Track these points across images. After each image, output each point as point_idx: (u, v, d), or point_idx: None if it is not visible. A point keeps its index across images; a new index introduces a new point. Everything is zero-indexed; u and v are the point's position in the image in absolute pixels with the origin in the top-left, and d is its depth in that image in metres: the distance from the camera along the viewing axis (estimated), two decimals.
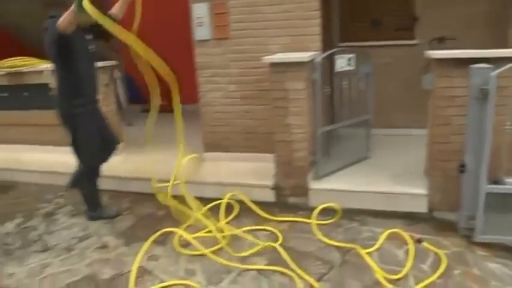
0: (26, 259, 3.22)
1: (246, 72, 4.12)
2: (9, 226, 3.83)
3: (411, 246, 2.96)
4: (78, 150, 3.59)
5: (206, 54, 4.20)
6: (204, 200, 3.77)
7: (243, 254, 3.04)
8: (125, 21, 3.33)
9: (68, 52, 3.24)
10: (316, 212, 3.46)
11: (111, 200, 4.09)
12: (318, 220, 3.42)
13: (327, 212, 3.50)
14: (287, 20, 3.87)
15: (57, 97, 3.50)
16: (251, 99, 4.16)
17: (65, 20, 2.93)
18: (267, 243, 3.13)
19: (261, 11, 3.92)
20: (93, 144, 3.57)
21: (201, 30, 4.15)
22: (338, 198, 3.57)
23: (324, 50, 3.90)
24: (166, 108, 5.96)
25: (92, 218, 3.79)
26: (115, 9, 3.47)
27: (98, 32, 3.34)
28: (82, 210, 3.95)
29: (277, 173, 3.78)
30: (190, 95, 4.76)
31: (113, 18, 3.17)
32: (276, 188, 3.80)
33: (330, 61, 4.00)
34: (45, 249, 3.35)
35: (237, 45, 4.09)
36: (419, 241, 3.04)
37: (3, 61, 5.41)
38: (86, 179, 3.72)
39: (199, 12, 4.09)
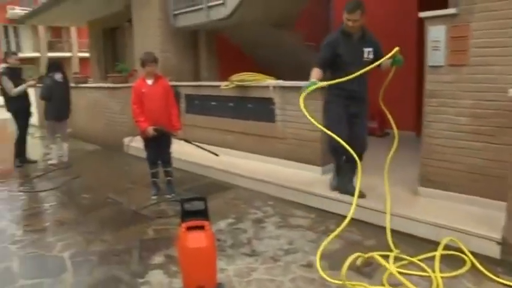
0: (235, 259, 3.46)
1: (481, 104, 3.65)
2: (222, 224, 4.21)
3: None
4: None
5: (437, 81, 3.89)
6: (414, 239, 3.51)
7: None
8: None
9: (335, 61, 4.07)
10: None
11: (317, 218, 4.17)
12: None
13: None
14: None
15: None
16: (485, 135, 3.66)
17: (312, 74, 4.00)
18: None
19: None
20: (332, 127, 3.94)
21: (436, 56, 3.84)
22: None
23: None
24: (375, 132, 5.86)
25: (333, 187, 4.53)
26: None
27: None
28: (288, 223, 4.13)
29: (507, 225, 3.22)
30: (407, 121, 4.53)
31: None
32: (504, 244, 3.24)
33: None
34: (253, 254, 3.55)
35: (474, 73, 3.67)
36: None
37: (234, 75, 6.11)
38: (332, 154, 4.50)
39: (436, 35, 3.80)
